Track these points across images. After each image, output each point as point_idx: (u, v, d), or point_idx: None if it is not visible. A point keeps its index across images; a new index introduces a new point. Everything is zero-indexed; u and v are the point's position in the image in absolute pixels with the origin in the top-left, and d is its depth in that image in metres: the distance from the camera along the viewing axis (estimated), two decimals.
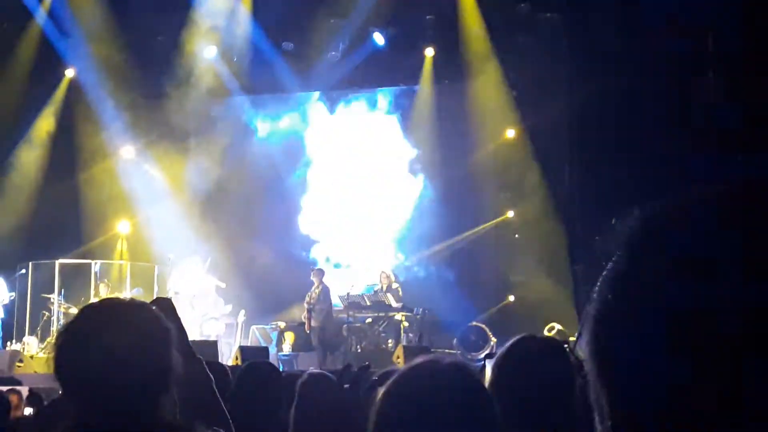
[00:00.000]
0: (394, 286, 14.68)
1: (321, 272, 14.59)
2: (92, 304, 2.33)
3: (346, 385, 3.21)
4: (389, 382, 1.78)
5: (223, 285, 15.48)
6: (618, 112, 14.20)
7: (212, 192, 17.37)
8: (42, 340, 14.85)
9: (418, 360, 1.81)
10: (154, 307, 2.23)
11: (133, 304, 2.06)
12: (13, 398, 7.05)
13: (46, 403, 7.80)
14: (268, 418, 4.00)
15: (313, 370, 4.52)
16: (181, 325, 2.47)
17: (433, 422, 1.67)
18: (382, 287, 14.66)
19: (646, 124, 13.99)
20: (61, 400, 6.95)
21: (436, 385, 1.71)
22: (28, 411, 7.56)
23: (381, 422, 1.73)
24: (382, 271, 14.90)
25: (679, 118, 13.32)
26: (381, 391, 1.78)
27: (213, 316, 15.03)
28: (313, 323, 14.21)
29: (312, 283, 14.52)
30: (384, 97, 17.76)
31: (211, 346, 11.80)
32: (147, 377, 1.90)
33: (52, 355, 2.00)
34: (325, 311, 14.27)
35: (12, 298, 14.82)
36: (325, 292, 14.39)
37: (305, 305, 14.45)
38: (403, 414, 1.70)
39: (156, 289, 15.36)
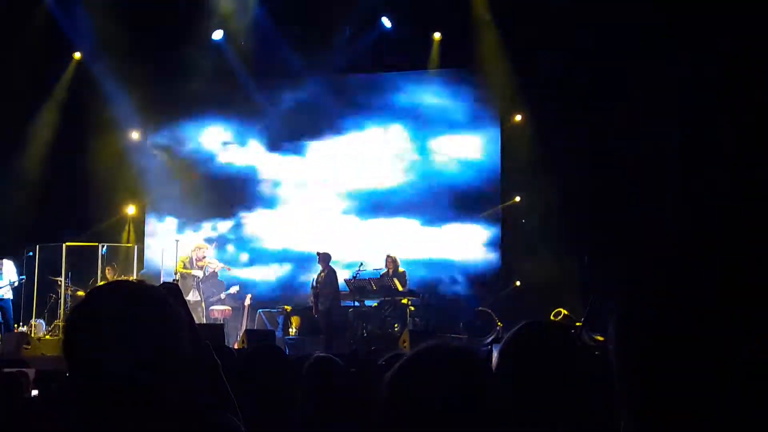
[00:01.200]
0: (401, 270, 14.67)
1: (327, 256, 14.58)
2: (102, 285, 2.34)
3: (353, 369, 3.22)
4: (396, 365, 1.78)
5: (229, 269, 15.55)
6: (627, 97, 14.16)
7: (220, 175, 17.41)
8: (49, 322, 14.93)
9: (426, 344, 1.81)
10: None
11: (142, 287, 2.06)
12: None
13: (53, 385, 7.85)
14: (275, 401, 4.02)
15: (319, 353, 4.54)
16: (188, 310, 2.48)
17: (441, 406, 1.67)
18: (388, 271, 14.64)
19: (657, 109, 13.95)
20: (68, 382, 6.99)
21: (444, 369, 1.71)
22: (34, 393, 7.61)
23: (388, 406, 1.73)
24: (388, 255, 14.83)
25: (693, 102, 13.28)
26: (388, 375, 1.79)
27: (220, 299, 15.08)
28: (320, 307, 14.24)
29: (318, 268, 14.56)
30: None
31: (218, 329, 11.83)
32: (155, 359, 1.90)
33: (61, 335, 2.01)
34: (331, 295, 14.28)
35: (22, 279, 14.87)
36: (332, 275, 14.40)
37: (312, 289, 14.49)
38: (411, 398, 1.71)
39: (162, 271, 15.43)
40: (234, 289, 15.22)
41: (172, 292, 2.43)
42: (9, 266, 14.67)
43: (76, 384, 1.98)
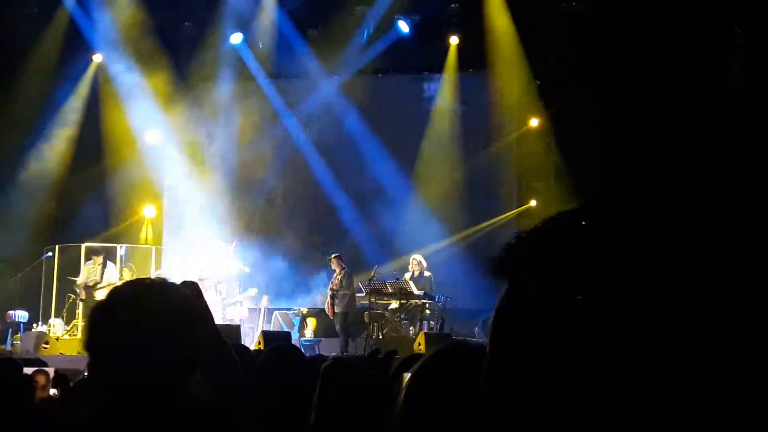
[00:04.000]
0: (426, 274, 14.53)
1: (340, 258, 14.60)
2: (125, 283, 2.37)
3: (372, 371, 3.23)
4: (416, 366, 1.79)
5: (247, 269, 15.52)
6: (642, 101, 14.11)
7: (237, 177, 17.48)
8: (67, 322, 15.02)
9: (445, 344, 1.82)
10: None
11: (164, 285, 2.08)
12: (41, 379, 7.16)
13: (71, 384, 7.92)
14: (291, 402, 4.04)
15: (336, 355, 4.56)
16: (208, 308, 2.51)
17: (461, 407, 1.69)
18: (413, 273, 14.53)
19: (671, 112, 13.90)
20: (86, 381, 7.05)
21: (464, 370, 1.72)
22: (53, 392, 7.68)
23: (408, 407, 1.74)
24: (413, 257, 14.70)
25: (710, 105, 13.23)
26: (407, 376, 1.80)
27: (237, 300, 15.11)
28: (336, 309, 14.23)
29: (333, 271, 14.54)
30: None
31: (235, 330, 11.88)
32: (176, 356, 1.92)
33: (80, 334, 2.04)
34: (348, 296, 14.26)
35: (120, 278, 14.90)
36: (349, 277, 14.38)
37: (328, 291, 14.45)
38: (431, 399, 1.72)
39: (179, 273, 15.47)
40: (252, 292, 15.25)
41: (192, 291, 2.46)
42: (111, 269, 14.71)
43: (96, 382, 2.00)
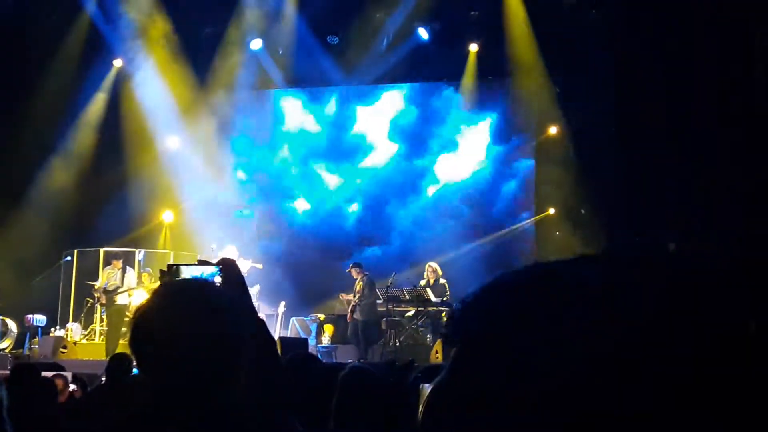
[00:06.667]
0: (441, 281, 14.44)
1: (360, 265, 14.53)
2: (168, 283, 2.37)
3: (391, 380, 3.21)
4: (437, 380, 1.77)
5: (260, 266, 15.32)
6: (662, 109, 14.06)
7: (256, 183, 17.53)
8: (85, 326, 15.08)
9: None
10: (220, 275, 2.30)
11: (207, 285, 2.10)
12: (59, 382, 7.19)
13: (89, 389, 7.95)
14: (310, 410, 4.03)
15: (354, 362, 4.55)
16: (245, 284, 2.51)
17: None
18: (428, 281, 14.46)
19: (689, 121, 13.84)
20: (104, 386, 7.07)
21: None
22: (73, 387, 7.74)
23: (429, 420, 1.73)
24: (429, 265, 14.60)
25: (726, 116, 13.15)
26: (426, 387, 1.78)
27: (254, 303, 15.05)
28: (356, 316, 14.14)
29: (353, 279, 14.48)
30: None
31: None
32: (219, 357, 1.92)
33: (129, 333, 2.04)
34: (370, 303, 14.20)
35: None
36: (370, 284, 14.30)
37: (352, 299, 14.33)
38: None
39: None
40: (255, 289, 15.08)
41: (229, 268, 2.47)
42: (131, 274, 14.75)
43: (143, 382, 2.00)
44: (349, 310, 14.27)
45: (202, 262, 2.63)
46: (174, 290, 2.10)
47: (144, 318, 1.98)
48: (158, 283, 2.32)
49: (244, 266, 15.15)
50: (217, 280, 2.50)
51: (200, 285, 2.14)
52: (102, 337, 14.41)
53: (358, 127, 18.05)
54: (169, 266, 2.68)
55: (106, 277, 14.59)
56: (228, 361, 1.95)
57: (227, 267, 2.51)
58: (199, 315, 1.94)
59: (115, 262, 14.63)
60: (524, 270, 0.77)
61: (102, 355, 12.58)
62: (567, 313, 0.70)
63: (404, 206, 17.51)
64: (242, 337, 1.99)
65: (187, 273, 2.62)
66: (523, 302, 0.73)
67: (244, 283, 2.51)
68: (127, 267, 14.71)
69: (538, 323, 0.71)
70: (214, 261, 2.56)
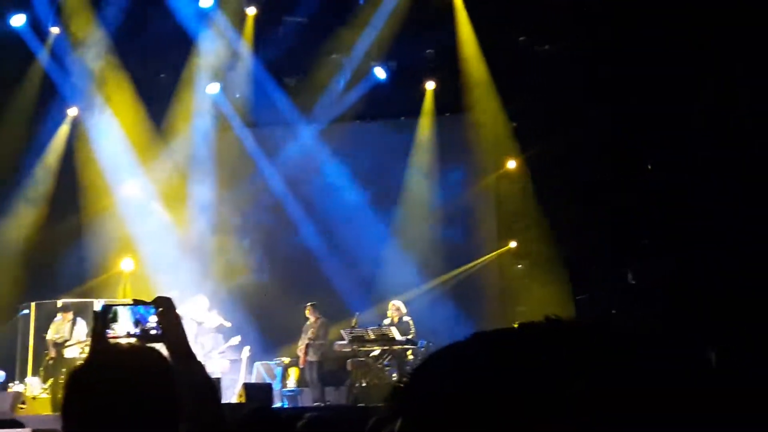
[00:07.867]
0: (405, 318, 14.38)
1: (317, 307, 14.58)
2: (100, 350, 2.33)
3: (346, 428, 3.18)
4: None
5: (228, 324, 15.25)
6: (617, 142, 14.24)
7: (216, 228, 17.40)
8: (45, 380, 14.77)
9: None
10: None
11: (139, 349, 2.07)
12: None
13: None
14: None
15: (312, 414, 4.49)
16: (181, 324, 2.46)
17: None
18: (392, 320, 14.39)
19: (647, 152, 14.02)
20: None
21: None
22: None
23: None
24: (392, 303, 14.56)
25: (680, 146, 13.33)
26: None
27: (220, 352, 14.88)
28: (310, 357, 14.14)
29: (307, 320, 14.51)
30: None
31: (215, 384, 11.71)
32: (154, 421, 1.88)
33: (59, 394, 2.02)
34: (325, 345, 14.26)
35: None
36: (325, 326, 14.39)
37: (307, 340, 14.33)
38: None
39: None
40: (235, 340, 15.02)
41: (165, 307, 2.43)
42: (81, 325, 14.38)
43: None
44: (303, 351, 14.22)
45: (137, 302, 2.58)
46: (107, 354, 2.06)
47: (76, 381, 1.94)
48: (93, 324, 2.29)
49: (214, 321, 14.99)
50: (153, 319, 2.46)
51: (132, 349, 2.09)
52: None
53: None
54: (104, 306, 2.61)
55: (56, 329, 14.30)
56: (161, 426, 1.91)
57: (164, 305, 2.47)
58: (131, 378, 1.90)
59: (63, 314, 14.32)
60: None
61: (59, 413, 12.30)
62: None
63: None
64: (176, 400, 1.95)
65: (123, 312, 2.55)
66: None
67: (180, 323, 2.47)
68: (78, 318, 14.40)
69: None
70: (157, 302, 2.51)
